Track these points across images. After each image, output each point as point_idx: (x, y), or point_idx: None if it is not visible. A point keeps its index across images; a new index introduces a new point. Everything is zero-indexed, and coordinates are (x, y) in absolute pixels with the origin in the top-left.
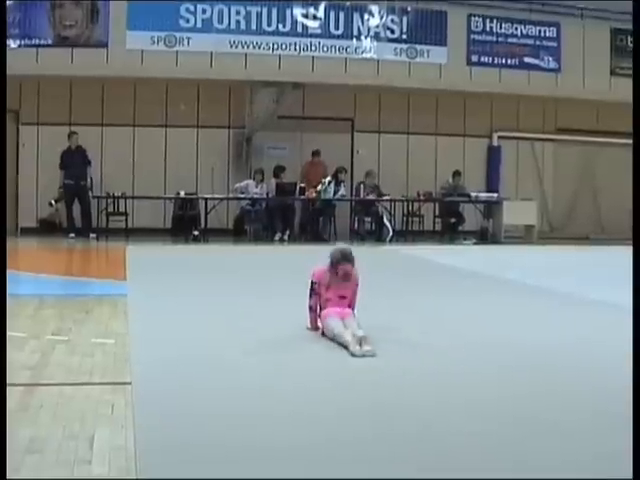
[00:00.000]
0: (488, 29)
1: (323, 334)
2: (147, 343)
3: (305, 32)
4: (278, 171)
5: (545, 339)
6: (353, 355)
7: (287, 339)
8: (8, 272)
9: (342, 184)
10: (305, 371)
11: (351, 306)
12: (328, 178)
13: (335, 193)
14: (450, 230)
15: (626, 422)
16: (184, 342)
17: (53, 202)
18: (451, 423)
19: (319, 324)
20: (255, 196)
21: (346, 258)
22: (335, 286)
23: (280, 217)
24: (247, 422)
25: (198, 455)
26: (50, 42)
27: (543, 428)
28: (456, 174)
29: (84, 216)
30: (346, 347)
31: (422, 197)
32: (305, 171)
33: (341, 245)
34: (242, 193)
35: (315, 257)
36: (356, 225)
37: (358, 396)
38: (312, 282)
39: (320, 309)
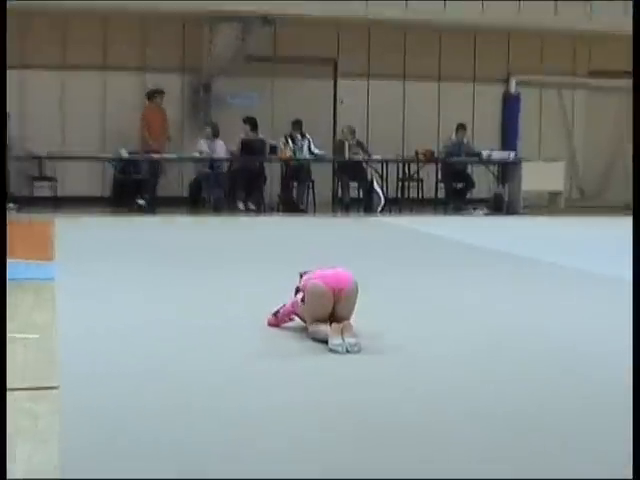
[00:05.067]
0: None
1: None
2: (78, 338)
3: None
4: (248, 124)
5: (582, 331)
6: (333, 350)
7: (246, 337)
8: None
9: (308, 140)
10: (273, 376)
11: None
12: (282, 139)
13: (295, 152)
14: (456, 198)
15: None
16: (123, 338)
17: None
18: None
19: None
20: (210, 157)
21: None
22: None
23: (244, 183)
24: (196, 425)
25: (135, 473)
26: None
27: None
28: (460, 128)
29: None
30: (325, 341)
31: (421, 157)
32: (145, 119)
33: None
34: (200, 153)
35: (290, 233)
36: (340, 192)
37: (339, 401)
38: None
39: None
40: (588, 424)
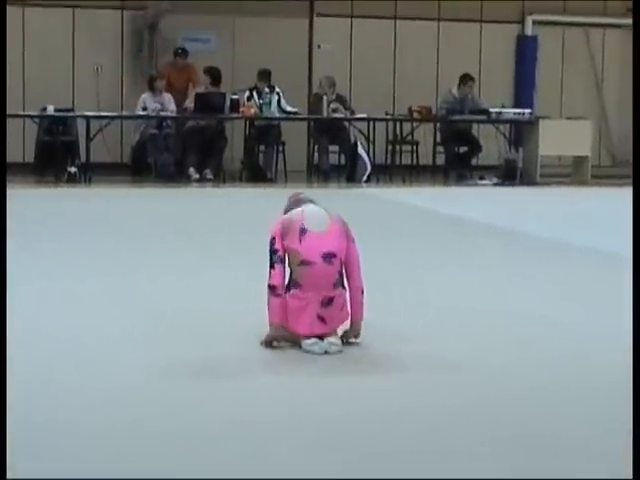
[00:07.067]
0: None
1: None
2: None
3: None
4: (209, 76)
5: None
6: (308, 351)
7: (219, 357)
8: None
9: (277, 94)
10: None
11: (350, 278)
12: (246, 93)
13: (261, 108)
14: (459, 164)
15: None
16: (57, 354)
17: None
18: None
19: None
20: (157, 114)
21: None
22: (309, 237)
23: (199, 146)
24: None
25: None
26: None
27: None
28: (464, 79)
29: None
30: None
31: (416, 115)
32: (166, 79)
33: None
34: (144, 110)
35: (255, 208)
36: (316, 158)
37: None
38: (271, 241)
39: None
40: None
